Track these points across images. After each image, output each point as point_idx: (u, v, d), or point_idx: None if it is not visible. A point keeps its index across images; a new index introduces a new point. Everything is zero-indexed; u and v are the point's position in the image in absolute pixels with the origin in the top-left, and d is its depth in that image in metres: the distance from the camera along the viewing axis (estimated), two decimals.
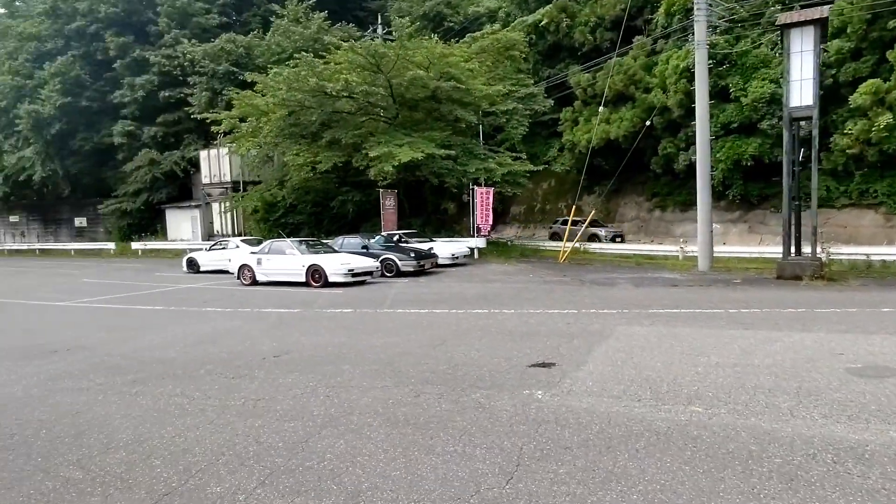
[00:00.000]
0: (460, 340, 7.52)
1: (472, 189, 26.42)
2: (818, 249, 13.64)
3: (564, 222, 23.92)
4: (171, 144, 36.74)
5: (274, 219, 29.05)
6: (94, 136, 38.30)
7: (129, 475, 3.71)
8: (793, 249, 13.56)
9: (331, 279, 14.43)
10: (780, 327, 7.63)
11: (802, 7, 14.39)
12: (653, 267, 17.85)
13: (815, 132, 12.96)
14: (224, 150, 31.89)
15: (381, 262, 16.38)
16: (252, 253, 16.08)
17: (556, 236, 26.25)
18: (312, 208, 28.78)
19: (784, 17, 12.97)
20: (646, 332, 7.61)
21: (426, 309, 10.51)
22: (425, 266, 17.16)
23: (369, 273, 15.22)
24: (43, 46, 38.26)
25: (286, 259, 15.18)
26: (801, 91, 12.62)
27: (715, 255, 18.28)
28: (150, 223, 37.98)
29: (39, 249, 39.41)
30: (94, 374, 6.34)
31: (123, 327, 9.59)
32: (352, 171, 28.58)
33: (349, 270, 14.52)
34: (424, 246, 18.81)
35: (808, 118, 12.99)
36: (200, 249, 22.96)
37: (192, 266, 20.57)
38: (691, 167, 23.58)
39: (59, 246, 38.82)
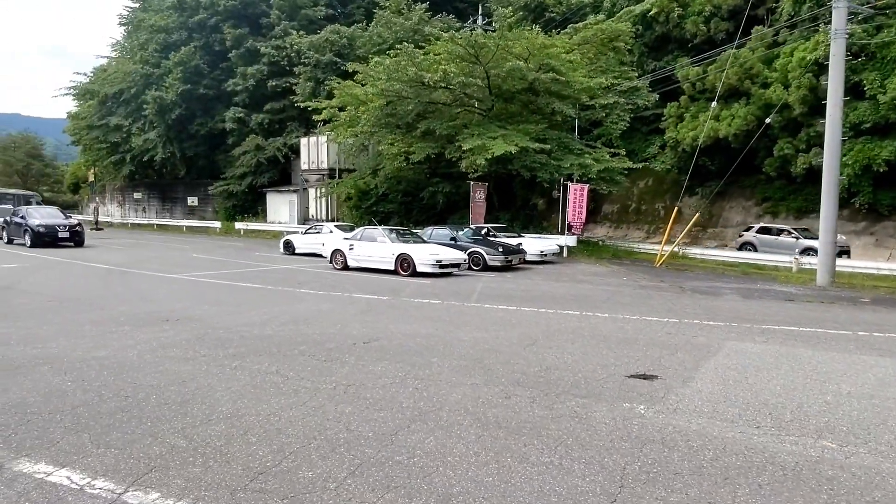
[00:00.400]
0: (551, 342, 7.24)
1: (566, 185, 25.76)
2: None
3: (762, 230, 22.40)
4: (275, 131, 38.59)
5: (366, 206, 29.78)
6: (209, 122, 40.99)
7: (227, 449, 3.78)
8: None
9: (419, 269, 14.51)
10: None
11: None
12: (762, 278, 16.55)
13: None
14: (323, 138, 33.04)
15: (468, 255, 16.29)
16: (345, 239, 16.49)
17: (748, 246, 22.46)
18: (403, 198, 29.22)
19: None
20: (760, 351, 6.97)
21: (514, 306, 10.27)
22: (513, 262, 16.88)
23: (457, 265, 15.17)
24: (169, 38, 41.32)
25: (377, 246, 15.44)
26: None
27: (838, 269, 16.68)
28: (252, 205, 40.18)
29: (157, 224, 42.80)
30: (199, 345, 6.64)
31: (226, 302, 10.08)
32: (443, 162, 28.72)
33: (437, 262, 14.53)
34: (513, 241, 18.53)
35: None
36: (296, 232, 23.94)
37: (289, 248, 21.46)
38: (811, 171, 21.67)
39: (173, 222, 41.97)
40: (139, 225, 44.22)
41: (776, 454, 3.75)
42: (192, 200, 45.52)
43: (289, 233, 27.55)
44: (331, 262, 16.46)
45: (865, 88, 20.38)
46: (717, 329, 8.41)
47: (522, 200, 29.51)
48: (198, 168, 45.00)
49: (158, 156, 41.57)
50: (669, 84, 28.33)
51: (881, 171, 20.21)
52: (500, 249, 16.57)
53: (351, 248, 15.94)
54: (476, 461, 3.62)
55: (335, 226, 21.34)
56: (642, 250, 23.96)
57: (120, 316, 8.49)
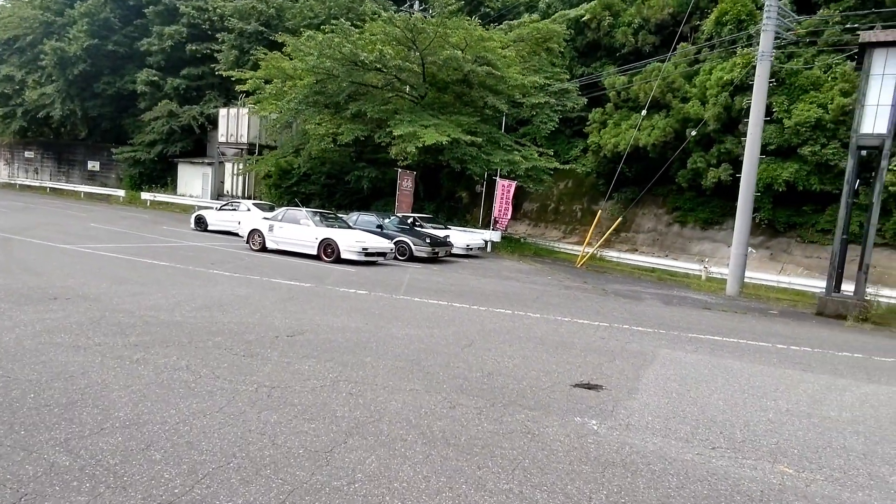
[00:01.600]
0: (489, 343, 6.91)
1: (495, 180, 25.79)
2: (866, 289, 12.94)
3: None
4: (191, 98, 36.03)
5: (286, 186, 28.43)
6: (118, 82, 37.64)
7: (123, 469, 3.11)
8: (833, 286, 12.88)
9: (343, 255, 13.82)
10: (841, 374, 7.00)
11: (885, 27, 13.50)
12: (675, 284, 17.19)
13: (885, 163, 12.20)
14: (244, 111, 31.19)
15: (395, 244, 15.77)
16: (265, 218, 15.46)
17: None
18: (326, 180, 28.14)
19: (868, 36, 12.11)
20: (693, 361, 6.97)
21: (445, 301, 9.89)
22: (439, 254, 16.54)
23: (383, 254, 14.61)
24: None
25: (299, 229, 14.56)
26: (877, 117, 11.85)
27: (711, 275, 17.66)
28: (161, 175, 37.40)
29: (50, 188, 38.87)
30: (93, 331, 5.74)
31: (127, 280, 9.00)
32: (370, 146, 27.91)
33: (363, 249, 13.90)
34: (440, 233, 18.19)
35: (877, 147, 12.24)
36: (210, 208, 22.38)
37: (200, 224, 19.98)
38: (720, 185, 22.99)
39: (70, 187, 38.25)
40: (29, 187, 40.03)
41: (739, 481, 3.57)
42: (94, 165, 41.77)
43: (201, 207, 25.79)
44: (247, 242, 15.38)
45: (774, 111, 21.71)
46: (648, 336, 8.43)
47: (448, 192, 29.27)
48: (101, 131, 41.27)
49: (56, 113, 37.65)
50: (596, 90, 29.05)
51: (781, 190, 21.64)
52: (428, 241, 16.16)
53: (271, 229, 14.95)
54: (427, 488, 3.17)
55: (253, 204, 20.09)
56: (562, 250, 24.42)
57: None
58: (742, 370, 6.69)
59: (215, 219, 19.77)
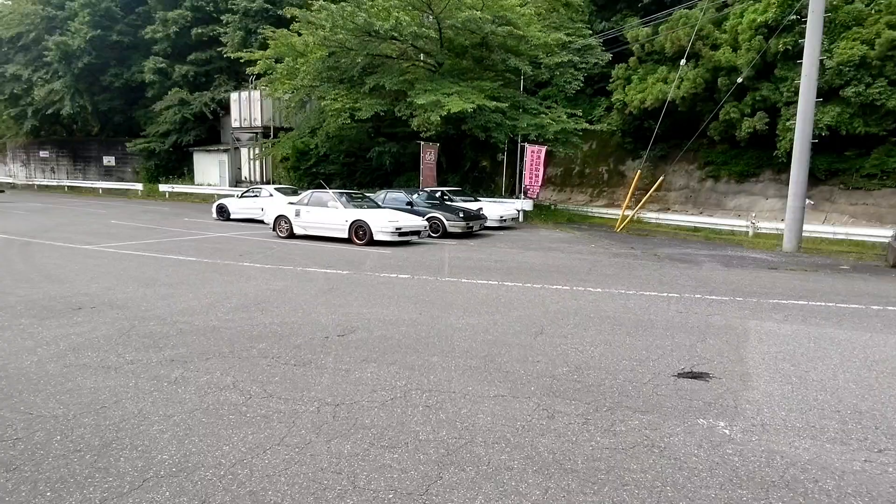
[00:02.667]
0: (560, 328, 6.16)
1: (518, 146, 24.76)
2: None
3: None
4: (201, 84, 35.30)
5: (304, 168, 27.73)
6: (125, 73, 37.04)
7: None
8: None
9: (376, 237, 13.11)
10: None
11: None
12: (725, 243, 16.19)
13: None
14: (256, 93, 30.40)
15: (426, 220, 15.00)
16: (290, 203, 14.78)
17: None
18: (346, 158, 27.36)
19: None
20: (791, 333, 6.15)
21: (495, 280, 9.14)
22: (473, 228, 15.74)
23: (417, 233, 13.86)
24: None
25: (327, 212, 13.86)
26: None
27: (759, 230, 16.64)
28: (177, 166, 36.96)
29: (68, 186, 38.73)
30: (123, 346, 5.12)
31: (155, 281, 8.40)
32: (388, 121, 26.95)
33: (396, 229, 13.17)
34: (471, 205, 17.35)
35: None
36: (231, 196, 21.80)
37: (223, 213, 19.42)
38: (754, 136, 21.75)
39: (88, 184, 38.06)
40: (47, 187, 39.93)
41: None
42: (109, 160, 41.49)
43: (220, 196, 25.27)
44: (273, 229, 14.75)
45: None
46: (726, 306, 7.61)
47: (472, 163, 28.30)
48: (114, 125, 40.85)
49: (66, 109, 37.20)
50: (617, 45, 27.60)
51: (823, 135, 20.34)
52: (461, 215, 15.36)
53: (297, 214, 14.27)
54: None
55: (275, 188, 19.43)
56: (595, 214, 23.45)
57: (17, 303, 6.72)
58: (851, 340, 5.86)
59: (237, 207, 19.17)
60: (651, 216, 22.46)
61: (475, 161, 28.14)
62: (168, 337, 5.45)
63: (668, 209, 26.09)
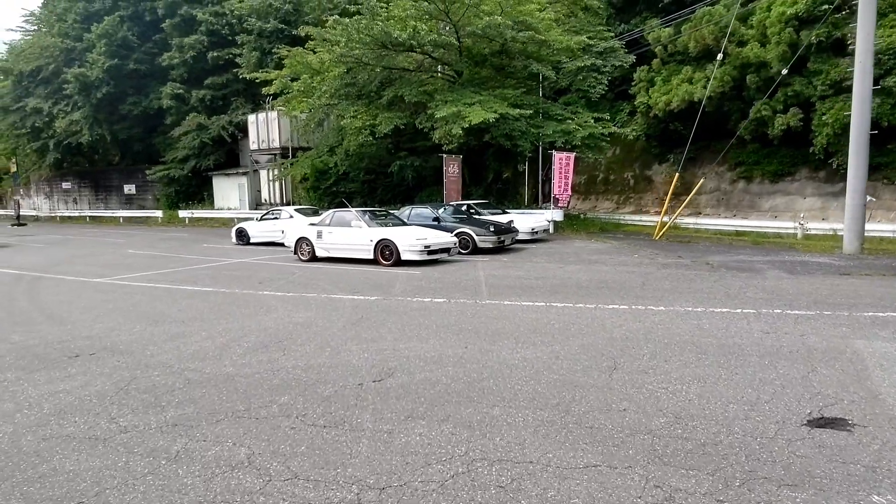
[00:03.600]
0: (634, 360, 5.17)
1: (549, 154, 23.80)
2: None
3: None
4: (218, 108, 35.13)
5: (324, 187, 27.11)
6: (143, 101, 37.06)
7: None
8: None
9: (404, 257, 12.23)
10: None
11: None
12: (777, 247, 14.99)
13: None
14: (273, 114, 30.01)
15: (455, 236, 14.10)
16: (311, 225, 14.01)
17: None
18: (366, 176, 26.69)
19: None
20: None
21: (541, 300, 8.17)
22: (505, 242, 14.80)
23: (447, 250, 12.95)
24: (91, 6, 36.88)
25: (351, 232, 13.04)
26: None
27: (834, 232, 15.39)
28: (197, 191, 36.73)
29: (89, 217, 38.75)
30: (119, 407, 4.26)
31: (165, 318, 7.60)
32: (407, 135, 26.25)
33: (425, 247, 12.28)
34: (501, 218, 16.41)
35: None
36: (250, 219, 21.19)
37: (242, 237, 18.76)
38: (788, 133, 20.62)
39: (109, 213, 38.02)
40: (70, 218, 40.03)
41: None
42: (129, 188, 41.50)
43: (240, 219, 24.73)
44: (295, 252, 13.98)
45: (849, 43, 19.08)
46: (815, 322, 6.54)
47: (495, 174, 27.43)
48: (133, 153, 40.92)
49: (85, 139, 37.25)
50: (638, 47, 26.68)
51: None
52: (492, 229, 14.43)
53: (319, 236, 13.49)
54: None
55: (295, 210, 18.73)
56: (627, 222, 22.36)
57: (9, 352, 5.93)
58: None
59: (257, 230, 18.50)
60: (688, 221, 21.32)
61: (498, 172, 27.26)
62: (173, 391, 4.58)
63: (700, 213, 24.96)
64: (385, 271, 11.72)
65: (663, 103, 24.04)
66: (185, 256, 15.64)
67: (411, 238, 12.31)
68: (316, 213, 18.34)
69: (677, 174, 17.92)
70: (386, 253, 12.45)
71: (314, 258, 13.58)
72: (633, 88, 26.54)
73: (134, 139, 39.13)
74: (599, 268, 11.51)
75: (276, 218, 18.50)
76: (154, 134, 38.46)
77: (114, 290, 10.04)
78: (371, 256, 12.64)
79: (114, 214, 37.00)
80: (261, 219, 19.07)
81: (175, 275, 11.87)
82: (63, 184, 45.71)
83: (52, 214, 42.24)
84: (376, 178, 26.50)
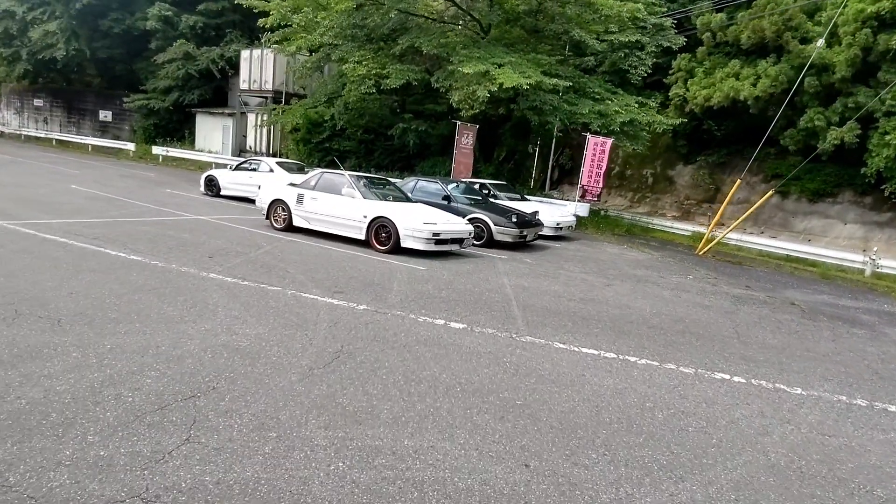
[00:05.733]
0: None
1: (557, 136, 21.08)
2: None
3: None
4: (210, 39, 31.58)
5: (316, 142, 24.05)
6: (127, 19, 33.27)
7: None
8: None
9: (404, 243, 9.49)
10: None
11: None
12: (853, 285, 12.49)
13: None
14: (268, 52, 26.68)
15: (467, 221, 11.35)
16: (291, 185, 11.14)
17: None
18: (364, 135, 23.67)
19: None
20: None
21: (607, 347, 5.54)
22: (527, 237, 12.10)
23: (459, 241, 10.19)
24: None
25: (339, 202, 10.21)
26: None
27: (879, 269, 12.99)
28: (178, 127, 33.32)
29: (57, 140, 35.12)
30: None
31: (40, 306, 4.84)
32: (416, 95, 23.27)
33: (433, 234, 9.53)
34: (523, 207, 13.65)
35: None
36: (225, 167, 18.19)
37: (211, 187, 15.83)
38: (840, 149, 18.15)
39: (78, 139, 34.42)
40: (35, 139, 36.36)
41: None
42: (105, 115, 37.86)
43: (218, 165, 21.69)
44: (267, 217, 11.15)
45: None
46: None
47: (508, 152, 24.57)
48: (113, 76, 37.18)
49: (60, 53, 33.51)
50: (682, 30, 23.75)
51: None
52: (514, 220, 11.68)
53: (300, 201, 10.66)
54: None
55: (277, 163, 15.77)
56: (657, 227, 19.77)
57: None
58: None
59: (229, 181, 15.57)
60: (733, 237, 18.79)
61: (513, 150, 24.41)
62: None
63: (723, 224, 22.56)
64: (379, 260, 8.97)
65: (702, 98, 21.37)
66: (135, 203, 12.72)
67: (417, 220, 9.53)
68: (301, 170, 15.44)
69: (738, 181, 15.24)
70: (382, 235, 9.68)
71: (290, 227, 10.78)
72: (670, 78, 23.69)
73: (115, 60, 35.39)
74: (656, 292, 8.88)
75: (253, 169, 15.55)
76: (138, 59, 34.75)
77: (4, 244, 7.17)
78: (362, 237, 9.87)
79: (82, 141, 33.47)
80: (235, 168, 16.09)
81: (108, 228, 9.02)
82: (35, 100, 41.80)
83: (18, 132, 38.48)
84: (375, 139, 23.52)
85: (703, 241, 15.00)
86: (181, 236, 9.18)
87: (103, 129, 37.67)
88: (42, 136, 36.32)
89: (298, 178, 11.55)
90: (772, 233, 21.88)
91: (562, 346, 5.48)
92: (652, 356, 5.46)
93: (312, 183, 10.79)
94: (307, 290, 6.61)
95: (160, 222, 10.37)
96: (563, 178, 30.27)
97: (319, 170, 11.41)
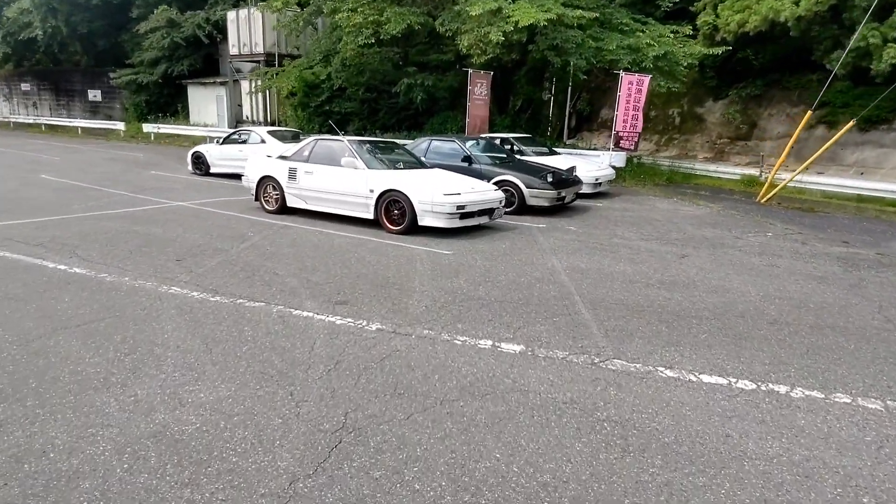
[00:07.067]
0: None
1: (576, 79, 18.76)
2: None
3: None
4: (194, 3, 29.26)
5: (315, 105, 22.00)
6: None
7: None
8: None
9: (423, 221, 7.69)
10: None
11: None
12: None
13: None
14: (256, 11, 24.40)
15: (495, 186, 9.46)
16: (282, 157, 9.30)
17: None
18: (366, 94, 21.55)
19: None
20: None
21: (740, 375, 3.78)
22: (566, 199, 10.20)
23: (489, 212, 8.33)
24: None
25: (340, 175, 8.38)
26: None
27: None
28: (170, 101, 31.33)
29: (45, 125, 33.38)
30: None
31: None
32: (419, 45, 21.01)
33: (458, 208, 7.69)
34: (556, 162, 11.67)
35: None
36: (217, 141, 16.33)
37: (199, 165, 14.08)
38: None
39: (67, 122, 32.64)
40: (25, 125, 34.64)
41: None
42: (94, 94, 35.91)
43: (212, 139, 19.84)
44: (257, 198, 9.38)
45: None
46: None
47: (524, 101, 22.32)
48: (98, 52, 35.04)
49: (38, 32, 31.44)
50: None
51: None
52: (550, 179, 9.76)
53: (292, 176, 8.85)
54: None
55: (269, 132, 13.87)
56: (700, 172, 17.65)
57: None
58: None
59: (217, 157, 13.78)
60: (780, 176, 16.67)
61: (529, 99, 22.15)
62: None
63: (762, 163, 20.39)
64: (393, 245, 7.20)
65: (736, 24, 18.86)
66: (110, 192, 11.01)
67: (436, 191, 7.67)
68: (297, 138, 13.57)
69: (808, 113, 13.04)
70: (394, 212, 7.88)
71: (284, 209, 9.02)
72: (697, 4, 21.12)
73: (97, 35, 33.19)
74: (743, 260, 7.02)
75: (243, 141, 13.71)
76: (122, 32, 32.53)
77: None
78: (371, 216, 8.08)
79: (71, 124, 31.68)
80: (223, 141, 14.24)
81: (62, 228, 7.35)
82: (22, 85, 39.92)
83: (7, 119, 36.77)
84: (378, 97, 21.41)
85: (766, 186, 12.96)
86: (150, 232, 7.47)
87: (94, 110, 35.82)
88: (31, 122, 34.58)
89: (292, 148, 9.72)
90: (818, 168, 19.66)
91: (670, 373, 3.71)
92: (806, 380, 3.68)
93: (306, 153, 8.93)
94: (299, 302, 4.89)
95: (130, 215, 8.67)
96: (582, 125, 27.95)
97: (313, 137, 9.52)
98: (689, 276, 6.14)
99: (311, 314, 4.63)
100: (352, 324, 4.44)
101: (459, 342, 4.13)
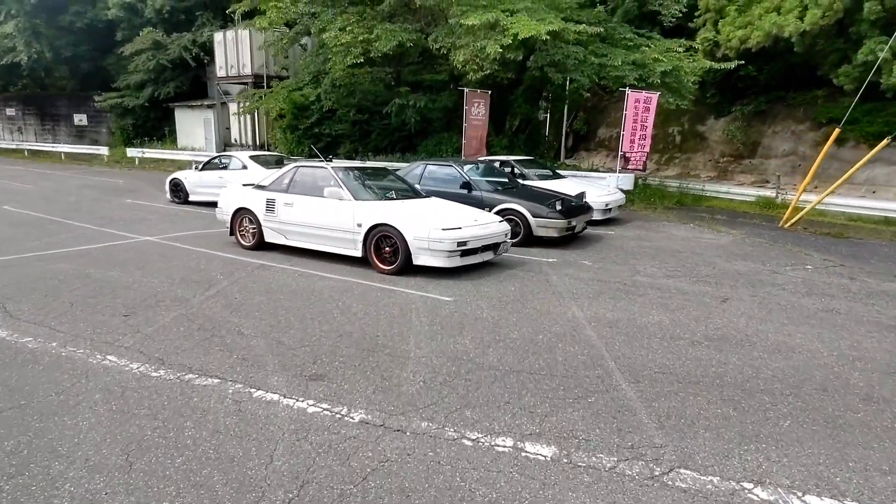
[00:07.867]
0: None
1: (572, 97, 18.02)
2: None
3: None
4: (180, 24, 28.55)
5: (304, 127, 21.10)
6: (88, 10, 30.28)
7: None
8: None
9: (418, 260, 6.67)
10: None
11: None
12: None
13: None
14: (244, 33, 23.65)
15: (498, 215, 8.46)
16: (259, 187, 8.28)
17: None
18: (357, 115, 20.68)
19: None
20: None
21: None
22: (576, 228, 9.21)
23: (493, 248, 7.30)
24: None
25: (323, 207, 7.36)
26: None
27: None
28: (157, 125, 30.45)
29: (29, 150, 32.37)
30: None
31: None
32: (411, 64, 20.27)
33: (458, 244, 6.68)
34: (562, 187, 10.71)
35: None
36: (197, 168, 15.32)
37: (178, 192, 13.07)
38: None
39: (51, 147, 31.63)
40: (7, 150, 33.62)
41: None
42: (80, 119, 35.00)
43: (198, 164, 18.85)
44: (232, 232, 8.35)
45: None
46: None
47: (522, 120, 21.48)
48: (83, 75, 34.24)
49: (22, 56, 30.61)
50: None
51: None
52: (558, 207, 8.78)
53: (270, 208, 7.83)
54: None
55: (251, 157, 12.87)
56: (710, 193, 16.76)
57: None
58: None
59: (196, 183, 12.77)
60: (803, 201, 15.81)
61: (527, 118, 21.33)
62: None
63: (767, 182, 19.59)
64: (384, 290, 6.16)
65: (738, 40, 18.24)
66: (73, 224, 9.98)
67: (433, 225, 6.65)
68: (280, 163, 12.58)
69: (837, 130, 12.15)
70: (385, 250, 6.86)
71: (261, 244, 7.98)
72: (697, 20, 20.48)
73: (82, 58, 32.41)
74: (794, 303, 6.02)
75: (223, 167, 12.72)
76: (108, 55, 31.76)
77: None
78: (359, 253, 7.05)
79: (54, 149, 30.67)
80: (203, 167, 13.24)
81: (1, 271, 6.29)
82: (7, 109, 38.99)
83: None
84: (370, 118, 20.53)
85: (790, 210, 12.03)
86: (104, 277, 6.42)
87: (80, 134, 34.87)
88: (13, 147, 33.57)
89: (271, 176, 8.72)
90: (825, 187, 18.81)
91: (764, 495, 2.67)
92: None
93: (285, 182, 7.93)
94: (263, 378, 3.84)
95: (87, 253, 7.62)
96: (579, 144, 27.17)
97: (293, 164, 8.52)
98: (739, 329, 5.12)
99: (276, 397, 3.59)
100: (328, 412, 3.40)
101: (469, 442, 3.09)
